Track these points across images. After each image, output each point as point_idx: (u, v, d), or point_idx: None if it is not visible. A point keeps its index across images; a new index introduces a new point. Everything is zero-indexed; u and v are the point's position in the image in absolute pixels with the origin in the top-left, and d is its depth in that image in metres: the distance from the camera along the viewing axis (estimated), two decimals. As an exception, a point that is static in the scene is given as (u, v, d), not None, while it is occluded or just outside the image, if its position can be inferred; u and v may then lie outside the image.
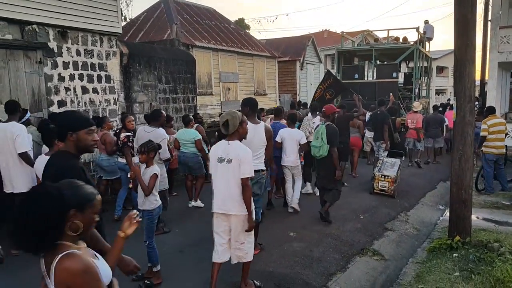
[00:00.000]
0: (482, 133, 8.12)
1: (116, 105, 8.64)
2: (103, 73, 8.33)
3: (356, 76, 14.33)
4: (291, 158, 6.75)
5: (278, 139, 6.73)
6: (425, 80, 16.46)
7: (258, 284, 4.23)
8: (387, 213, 7.09)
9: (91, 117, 7.13)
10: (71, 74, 7.67)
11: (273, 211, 6.92)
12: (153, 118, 5.98)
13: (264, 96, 15.98)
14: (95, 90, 8.16)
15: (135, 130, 6.66)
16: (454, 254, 4.82)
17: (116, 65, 8.64)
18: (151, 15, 13.92)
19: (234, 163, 3.77)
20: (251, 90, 15.37)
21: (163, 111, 6.31)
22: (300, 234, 5.77)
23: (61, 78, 7.49)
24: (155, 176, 4.28)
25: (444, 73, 41.92)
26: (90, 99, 8.05)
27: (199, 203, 7.23)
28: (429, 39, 16.64)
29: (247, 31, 20.60)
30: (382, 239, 5.95)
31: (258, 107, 5.46)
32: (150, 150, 4.39)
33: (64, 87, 7.55)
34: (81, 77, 7.86)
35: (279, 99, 17.45)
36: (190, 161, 7.11)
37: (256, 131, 4.70)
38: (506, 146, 8.33)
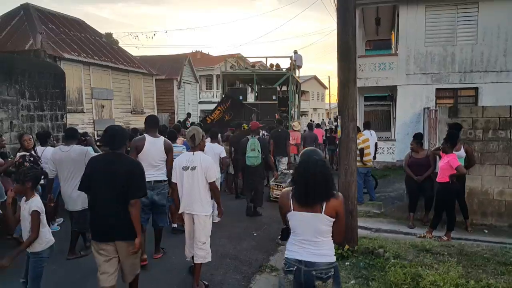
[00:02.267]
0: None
1: (-33, 123, 7.29)
2: (-51, 85, 6.97)
3: (241, 98, 15.16)
4: None
5: None
6: (296, 103, 17.91)
7: (206, 283, 4.64)
8: (277, 228, 7.23)
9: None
10: None
11: (169, 235, 6.51)
12: (70, 136, 5.56)
13: (142, 114, 15.31)
14: None
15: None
16: (346, 263, 5.10)
17: (-33, 76, 7.32)
18: (8, 23, 12.31)
19: (198, 170, 4.37)
20: (128, 108, 14.60)
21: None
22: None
23: None
24: (35, 213, 3.49)
25: (305, 97, 45.89)
26: None
27: None
28: (299, 66, 18.42)
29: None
30: (277, 254, 6.02)
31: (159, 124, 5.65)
32: (26, 179, 3.55)
33: None
34: None
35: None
36: None
37: (156, 144, 5.13)
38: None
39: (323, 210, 2.71)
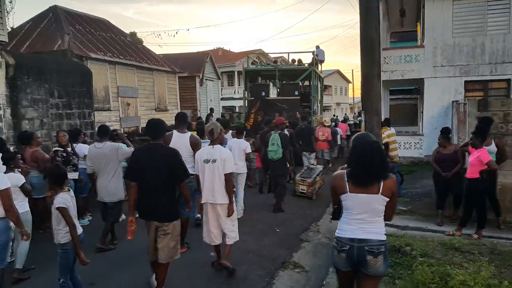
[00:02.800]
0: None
1: (1, 122, 7.55)
2: (-16, 86, 7.24)
3: (263, 93, 15.21)
4: (238, 166, 6.96)
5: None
6: (319, 98, 17.71)
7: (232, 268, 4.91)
8: (300, 224, 7.22)
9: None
10: None
11: (193, 229, 6.58)
12: (103, 133, 5.84)
13: (166, 112, 15.50)
14: (-26, 106, 7.04)
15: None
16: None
17: (1, 77, 7.59)
18: (38, 24, 12.64)
19: (218, 162, 4.63)
20: (152, 105, 14.80)
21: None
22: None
23: None
24: (60, 209, 3.64)
25: (328, 91, 45.42)
26: (-33, 116, 6.91)
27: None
28: (321, 61, 18.21)
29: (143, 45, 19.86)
30: (300, 250, 6.00)
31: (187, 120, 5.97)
32: (46, 177, 3.83)
33: None
34: (-44, 91, 6.72)
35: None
36: None
37: (182, 139, 5.45)
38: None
39: (380, 191, 2.91)
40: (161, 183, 4.06)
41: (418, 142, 14.00)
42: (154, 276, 4.32)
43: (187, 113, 17.60)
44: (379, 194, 2.91)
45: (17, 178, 4.55)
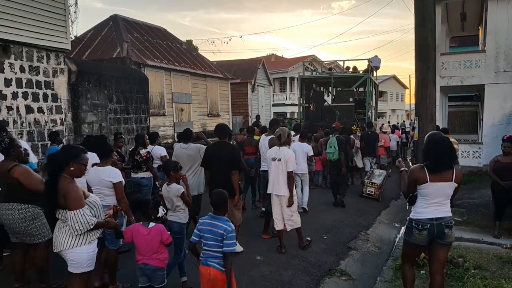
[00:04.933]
0: None
1: (63, 125, 8.09)
2: (49, 92, 7.80)
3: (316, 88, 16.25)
4: (301, 167, 7.93)
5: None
6: (373, 104, 17.45)
7: (309, 239, 6.16)
8: (348, 232, 7.09)
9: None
10: (14, 92, 7.09)
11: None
12: (187, 136, 6.62)
13: (217, 117, 15.83)
14: (40, 110, 7.60)
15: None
16: (422, 271, 4.84)
17: (63, 83, 8.13)
18: (99, 33, 13.43)
19: (282, 161, 5.66)
20: (204, 111, 15.17)
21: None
22: (267, 257, 5.57)
23: (3, 96, 6.89)
24: (183, 194, 4.34)
25: (383, 98, 44.16)
26: (35, 119, 7.47)
27: None
28: (376, 68, 18.10)
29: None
30: (348, 258, 5.89)
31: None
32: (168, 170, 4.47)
33: (6, 106, 6.95)
34: (25, 96, 7.29)
35: (232, 121, 17.40)
36: None
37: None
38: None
39: (453, 179, 3.63)
40: (223, 170, 5.35)
41: (477, 151, 13.28)
42: None
43: (237, 118, 17.98)
44: (453, 181, 3.63)
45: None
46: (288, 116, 28.91)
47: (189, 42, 34.59)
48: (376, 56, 18.17)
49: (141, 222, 3.69)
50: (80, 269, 3.32)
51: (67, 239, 3.26)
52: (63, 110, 8.12)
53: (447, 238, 3.72)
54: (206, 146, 6.42)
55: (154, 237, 3.56)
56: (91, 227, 3.25)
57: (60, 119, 8.03)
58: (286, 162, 5.63)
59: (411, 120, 37.88)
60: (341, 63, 19.66)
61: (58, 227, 3.36)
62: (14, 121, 7.08)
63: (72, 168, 3.30)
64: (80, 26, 63.56)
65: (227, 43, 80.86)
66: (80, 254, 3.29)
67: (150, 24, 15.78)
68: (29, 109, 7.36)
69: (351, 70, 18.16)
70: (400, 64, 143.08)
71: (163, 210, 4.04)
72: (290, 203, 5.74)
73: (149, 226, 3.62)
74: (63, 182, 3.24)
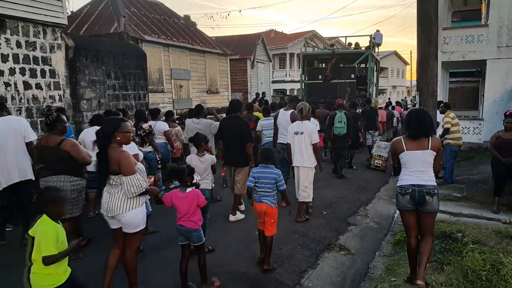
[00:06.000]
0: (446, 125, 8.45)
1: (61, 102, 8.02)
2: (47, 67, 7.70)
3: (320, 77, 15.75)
4: None
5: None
6: (374, 81, 17.37)
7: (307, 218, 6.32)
8: (347, 208, 7.15)
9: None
10: (11, 68, 7.00)
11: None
12: (198, 112, 6.99)
13: (217, 94, 15.73)
14: (38, 86, 7.52)
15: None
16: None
17: (61, 59, 8.02)
18: (96, 8, 13.14)
19: (305, 134, 5.99)
20: (204, 88, 15.04)
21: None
22: (266, 232, 5.61)
23: (0, 72, 6.81)
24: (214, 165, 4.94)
25: (384, 74, 43.79)
26: (33, 95, 7.40)
27: None
28: (378, 44, 17.99)
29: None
30: (347, 233, 5.96)
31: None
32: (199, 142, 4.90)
33: (4, 82, 6.87)
34: (22, 72, 7.21)
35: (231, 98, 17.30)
36: None
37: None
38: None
39: (430, 146, 3.84)
40: (235, 142, 5.93)
41: (477, 127, 13.26)
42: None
43: (236, 95, 17.88)
44: (429, 149, 3.84)
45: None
46: (288, 93, 28.71)
47: (187, 17, 34.03)
48: (378, 31, 17.95)
49: (178, 188, 4.00)
50: (137, 228, 3.68)
51: (123, 203, 3.56)
52: (61, 86, 8.03)
53: (429, 206, 3.85)
54: (217, 122, 6.74)
55: (191, 201, 3.90)
56: (143, 190, 3.59)
57: (58, 95, 7.96)
58: (310, 135, 5.95)
59: (413, 96, 37.73)
60: (342, 39, 19.46)
61: (109, 193, 3.62)
62: (13, 97, 7.02)
63: (118, 138, 3.59)
64: (76, 1, 62.27)
65: (225, 18, 79.69)
66: (135, 216, 3.62)
67: (147, -2, 15.47)
68: (27, 85, 7.29)
69: (353, 46, 18.06)
70: (402, 40, 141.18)
71: (198, 176, 4.31)
72: (320, 168, 6.32)
73: (187, 191, 3.94)
74: (114, 151, 3.55)
